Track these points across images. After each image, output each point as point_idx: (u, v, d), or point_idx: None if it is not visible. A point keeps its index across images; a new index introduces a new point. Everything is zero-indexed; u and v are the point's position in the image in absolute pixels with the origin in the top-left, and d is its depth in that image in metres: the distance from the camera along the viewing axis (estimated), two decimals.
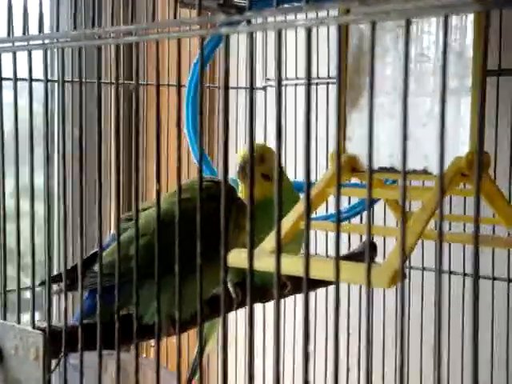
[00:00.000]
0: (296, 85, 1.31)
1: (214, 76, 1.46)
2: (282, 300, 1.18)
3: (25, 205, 0.67)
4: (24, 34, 0.64)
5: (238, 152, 0.99)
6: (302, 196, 1.01)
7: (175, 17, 0.55)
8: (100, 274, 0.61)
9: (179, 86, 0.53)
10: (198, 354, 1.05)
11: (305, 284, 0.45)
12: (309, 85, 0.43)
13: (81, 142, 0.62)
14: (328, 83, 1.25)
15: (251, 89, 0.44)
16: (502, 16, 1.05)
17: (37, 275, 0.67)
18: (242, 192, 1.00)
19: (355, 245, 1.15)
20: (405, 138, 0.42)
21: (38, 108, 0.68)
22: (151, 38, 0.52)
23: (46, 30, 0.66)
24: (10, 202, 0.70)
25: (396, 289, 1.12)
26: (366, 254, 0.48)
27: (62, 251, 0.66)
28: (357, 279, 0.58)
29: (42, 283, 0.75)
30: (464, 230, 1.07)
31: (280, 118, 0.41)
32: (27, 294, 0.67)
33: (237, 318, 1.36)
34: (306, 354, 0.42)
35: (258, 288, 0.86)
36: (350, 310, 1.20)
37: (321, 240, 1.18)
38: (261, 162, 0.97)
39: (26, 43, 0.63)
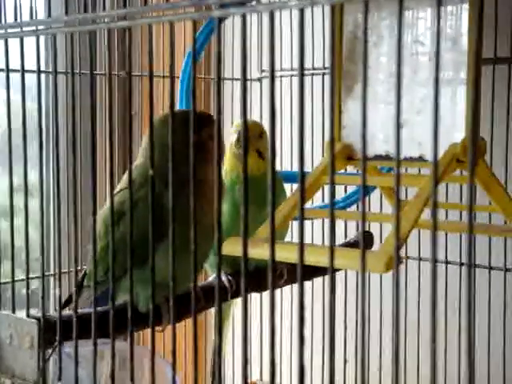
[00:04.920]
0: (291, 76, 1.31)
1: (209, 68, 1.45)
2: (279, 290, 1.18)
3: (19, 200, 0.67)
4: (16, 20, 0.64)
5: (233, 125, 0.98)
6: (295, 187, 1.00)
7: (167, 0, 0.55)
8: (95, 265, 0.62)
9: (172, 70, 0.53)
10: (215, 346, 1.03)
11: (299, 270, 0.44)
12: (302, 65, 0.42)
13: (74, 132, 0.61)
14: (324, 74, 1.26)
15: (243, 70, 0.44)
16: (498, 4, 1.05)
17: (31, 269, 0.67)
18: (232, 166, 0.97)
19: (351, 235, 1.15)
20: (398, 125, 0.42)
21: (28, 99, 0.68)
22: (144, 22, 0.52)
23: (39, 17, 0.65)
24: (4, 196, 0.69)
25: (393, 279, 1.12)
26: (361, 239, 0.48)
27: (56, 243, 0.65)
28: (352, 264, 0.58)
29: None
30: (460, 218, 1.07)
31: (273, 98, 0.41)
32: (23, 291, 0.67)
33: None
34: (302, 337, 0.42)
35: (253, 276, 0.84)
36: (347, 305, 1.19)
37: (317, 232, 1.18)
38: (259, 137, 0.96)
39: (18, 30, 0.63)
